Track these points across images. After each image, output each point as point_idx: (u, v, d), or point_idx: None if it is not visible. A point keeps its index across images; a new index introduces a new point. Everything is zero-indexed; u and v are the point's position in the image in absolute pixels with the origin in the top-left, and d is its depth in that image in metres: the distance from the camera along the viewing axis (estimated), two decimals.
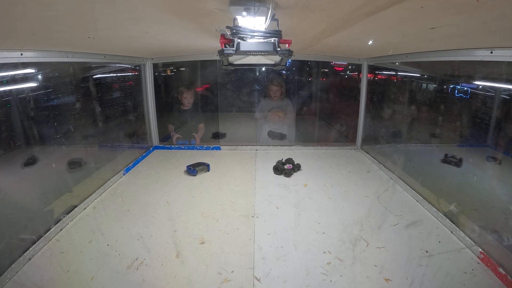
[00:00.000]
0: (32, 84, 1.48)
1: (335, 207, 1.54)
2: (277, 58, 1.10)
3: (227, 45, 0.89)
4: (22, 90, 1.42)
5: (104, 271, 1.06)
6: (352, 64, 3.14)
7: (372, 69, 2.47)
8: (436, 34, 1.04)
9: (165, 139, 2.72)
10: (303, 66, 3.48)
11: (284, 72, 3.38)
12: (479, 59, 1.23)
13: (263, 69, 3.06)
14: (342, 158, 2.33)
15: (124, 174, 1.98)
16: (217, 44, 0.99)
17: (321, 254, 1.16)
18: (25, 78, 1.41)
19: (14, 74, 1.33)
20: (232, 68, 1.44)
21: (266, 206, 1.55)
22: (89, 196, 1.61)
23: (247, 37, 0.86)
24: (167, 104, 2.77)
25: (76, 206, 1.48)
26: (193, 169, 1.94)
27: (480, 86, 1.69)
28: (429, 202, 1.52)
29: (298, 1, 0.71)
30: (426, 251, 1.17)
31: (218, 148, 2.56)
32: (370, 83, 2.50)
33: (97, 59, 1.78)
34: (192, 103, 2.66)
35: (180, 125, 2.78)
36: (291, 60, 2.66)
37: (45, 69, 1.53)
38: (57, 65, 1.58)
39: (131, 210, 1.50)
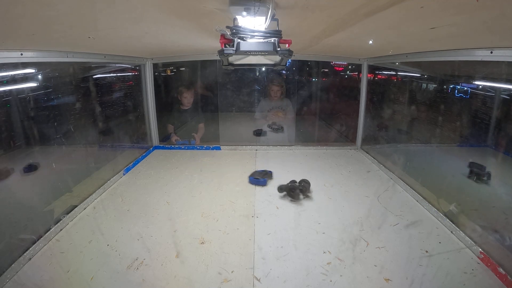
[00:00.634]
0: (32, 84, 1.48)
1: (335, 207, 1.54)
2: (277, 58, 1.10)
3: (227, 45, 0.89)
4: (22, 90, 1.42)
5: (104, 271, 1.06)
6: (352, 64, 3.14)
7: (372, 69, 2.47)
8: (436, 34, 1.04)
9: (165, 139, 2.72)
10: (303, 66, 3.48)
11: (284, 72, 3.38)
12: (479, 59, 1.23)
13: (263, 69, 3.06)
14: (342, 158, 2.33)
15: (124, 174, 1.98)
16: (217, 44, 0.99)
17: (321, 254, 1.16)
18: (25, 78, 1.41)
19: (14, 74, 1.33)
20: (232, 68, 1.44)
21: (266, 206, 1.55)
22: (89, 196, 1.61)
23: (247, 37, 0.86)
24: (167, 104, 2.77)
25: (76, 206, 1.48)
26: (262, 179, 1.65)
27: (480, 86, 1.69)
28: (429, 202, 1.52)
29: (298, 1, 0.71)
30: (426, 251, 1.17)
31: (218, 148, 2.56)
32: (370, 83, 2.50)
33: (97, 59, 1.78)
34: (192, 103, 2.66)
35: (180, 125, 2.78)
36: (291, 60, 2.66)
37: (45, 69, 1.53)
38: (57, 65, 1.58)
39: (131, 210, 1.50)
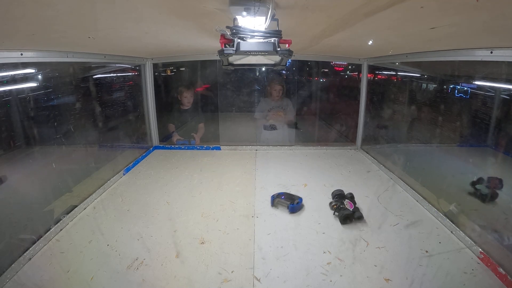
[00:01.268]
0: (32, 84, 1.48)
1: None
2: (277, 58, 1.10)
3: (227, 45, 0.88)
4: (22, 90, 1.42)
5: (104, 271, 1.06)
6: (352, 64, 3.14)
7: (372, 69, 2.47)
8: (436, 34, 1.04)
9: (165, 139, 2.72)
10: (303, 66, 3.48)
11: (284, 72, 3.38)
12: (479, 59, 1.23)
13: (263, 69, 3.06)
14: (342, 158, 2.33)
15: (124, 174, 1.98)
16: (217, 44, 0.99)
17: (321, 254, 1.16)
18: (25, 78, 1.41)
19: (14, 74, 1.33)
20: (232, 68, 1.44)
21: (266, 206, 1.55)
22: (89, 196, 1.61)
23: (247, 37, 0.86)
24: (167, 104, 2.77)
25: (76, 206, 1.48)
26: (296, 204, 1.48)
27: (480, 86, 1.69)
28: (429, 202, 1.52)
29: (298, 1, 0.71)
30: (426, 251, 1.17)
31: (218, 148, 2.56)
32: (370, 83, 2.50)
33: (97, 59, 1.77)
34: (192, 103, 2.66)
35: (180, 125, 2.78)
36: (291, 60, 2.66)
37: (45, 69, 1.53)
38: (57, 65, 1.58)
39: (131, 210, 1.50)
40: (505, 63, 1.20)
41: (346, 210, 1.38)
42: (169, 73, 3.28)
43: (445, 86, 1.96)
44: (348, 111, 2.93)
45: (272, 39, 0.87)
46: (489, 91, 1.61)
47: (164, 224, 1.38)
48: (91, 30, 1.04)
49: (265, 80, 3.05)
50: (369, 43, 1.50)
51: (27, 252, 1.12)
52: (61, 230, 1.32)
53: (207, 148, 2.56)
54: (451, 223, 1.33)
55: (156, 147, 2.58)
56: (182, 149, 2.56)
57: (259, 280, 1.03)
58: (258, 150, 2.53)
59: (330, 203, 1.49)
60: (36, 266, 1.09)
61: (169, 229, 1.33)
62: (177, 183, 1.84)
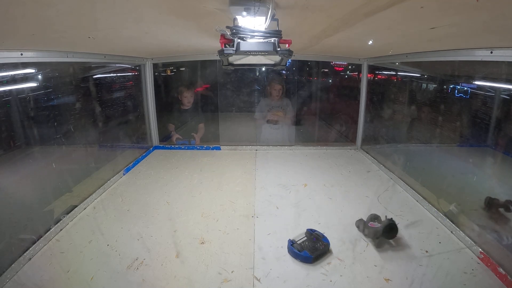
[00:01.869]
0: (32, 84, 1.48)
1: (335, 207, 1.54)
2: (277, 58, 1.10)
3: (227, 45, 0.88)
4: (22, 90, 1.42)
5: (104, 271, 1.06)
6: (352, 64, 3.14)
7: (372, 69, 2.47)
8: (436, 34, 1.04)
9: (165, 139, 2.72)
10: (303, 66, 3.48)
11: (284, 72, 3.38)
12: (479, 59, 1.23)
13: (263, 69, 3.06)
14: (342, 158, 2.33)
15: (124, 174, 1.98)
16: (217, 44, 0.99)
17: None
18: (25, 78, 1.41)
19: (14, 74, 1.33)
20: (232, 68, 1.44)
21: (266, 206, 1.55)
22: (89, 196, 1.61)
23: (247, 37, 0.86)
24: (167, 104, 2.77)
25: (76, 206, 1.48)
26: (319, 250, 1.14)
27: (480, 86, 1.69)
28: (429, 202, 1.52)
29: (298, 1, 0.71)
30: (426, 251, 1.17)
31: (218, 148, 2.56)
32: (370, 83, 2.50)
33: (97, 59, 1.77)
34: (192, 103, 2.66)
35: (180, 125, 2.78)
36: (291, 60, 2.66)
37: (45, 69, 1.53)
38: (57, 65, 1.58)
39: (131, 210, 1.50)
40: (505, 63, 1.20)
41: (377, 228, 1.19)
42: (169, 73, 3.28)
43: (445, 86, 1.96)
44: (348, 111, 2.93)
45: (272, 39, 0.87)
46: (489, 91, 1.61)
47: (164, 224, 1.38)
48: (91, 30, 1.04)
49: (265, 80, 3.04)
50: (369, 43, 1.50)
51: (27, 252, 1.12)
52: (61, 230, 1.32)
53: (207, 148, 2.56)
54: (451, 223, 1.33)
55: (156, 147, 2.58)
56: (182, 149, 2.56)
57: (259, 280, 1.03)
58: (258, 150, 2.53)
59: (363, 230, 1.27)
60: (36, 266, 1.09)
61: (169, 229, 1.33)
62: (177, 183, 1.84)
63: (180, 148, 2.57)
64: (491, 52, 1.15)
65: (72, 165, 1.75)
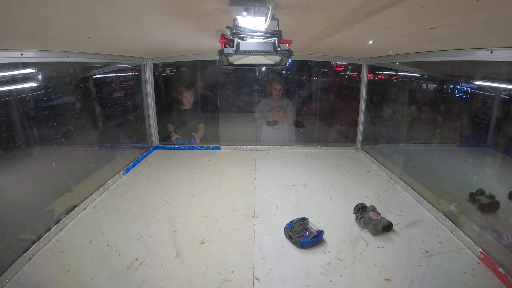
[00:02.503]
0: (32, 84, 1.48)
1: (335, 207, 1.54)
2: (277, 58, 1.10)
3: (227, 45, 0.88)
4: (22, 90, 1.42)
5: (104, 271, 1.06)
6: (352, 64, 3.14)
7: (372, 69, 2.47)
8: (436, 34, 1.03)
9: (165, 139, 2.72)
10: (303, 66, 3.48)
11: (284, 72, 3.38)
12: (479, 59, 1.23)
13: (263, 69, 3.06)
14: (342, 158, 2.33)
15: (124, 174, 1.98)
16: (217, 44, 0.99)
17: (321, 254, 1.16)
18: (25, 78, 1.41)
19: (14, 74, 1.33)
20: (232, 68, 1.44)
21: (266, 206, 1.55)
22: (89, 196, 1.61)
23: (247, 37, 0.86)
24: (167, 104, 2.77)
25: (76, 206, 1.48)
26: (313, 238, 1.22)
27: (480, 86, 1.69)
28: (429, 202, 1.52)
29: (298, 1, 0.71)
30: (426, 251, 1.17)
31: (218, 148, 2.56)
32: (370, 83, 2.50)
33: (97, 59, 1.77)
34: (192, 103, 2.66)
35: (180, 125, 2.78)
36: (291, 60, 2.66)
37: (45, 69, 1.53)
38: (57, 65, 1.58)
39: (131, 210, 1.50)
40: (505, 63, 1.20)
41: (380, 220, 1.30)
42: (169, 73, 3.28)
43: (445, 86, 1.96)
44: (348, 111, 2.93)
45: (272, 39, 0.87)
46: (489, 91, 1.61)
47: (164, 224, 1.38)
48: (91, 30, 1.04)
49: (265, 80, 3.04)
50: (369, 43, 1.50)
51: (27, 252, 1.12)
52: (61, 230, 1.32)
53: (207, 148, 2.56)
54: (451, 223, 1.33)
55: (156, 147, 2.58)
56: (182, 149, 2.56)
57: (259, 280, 1.03)
58: (258, 150, 2.53)
59: (357, 217, 1.38)
60: (36, 266, 1.09)
61: (169, 229, 1.33)
62: (177, 183, 1.84)
63: (180, 148, 2.57)
64: (491, 52, 1.15)
65: (72, 165, 1.75)
